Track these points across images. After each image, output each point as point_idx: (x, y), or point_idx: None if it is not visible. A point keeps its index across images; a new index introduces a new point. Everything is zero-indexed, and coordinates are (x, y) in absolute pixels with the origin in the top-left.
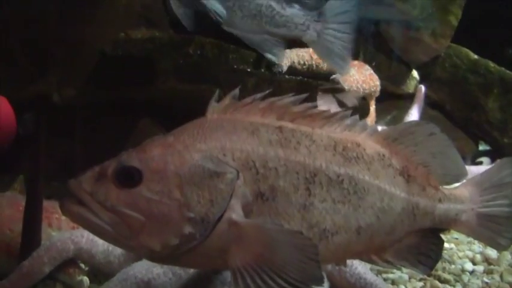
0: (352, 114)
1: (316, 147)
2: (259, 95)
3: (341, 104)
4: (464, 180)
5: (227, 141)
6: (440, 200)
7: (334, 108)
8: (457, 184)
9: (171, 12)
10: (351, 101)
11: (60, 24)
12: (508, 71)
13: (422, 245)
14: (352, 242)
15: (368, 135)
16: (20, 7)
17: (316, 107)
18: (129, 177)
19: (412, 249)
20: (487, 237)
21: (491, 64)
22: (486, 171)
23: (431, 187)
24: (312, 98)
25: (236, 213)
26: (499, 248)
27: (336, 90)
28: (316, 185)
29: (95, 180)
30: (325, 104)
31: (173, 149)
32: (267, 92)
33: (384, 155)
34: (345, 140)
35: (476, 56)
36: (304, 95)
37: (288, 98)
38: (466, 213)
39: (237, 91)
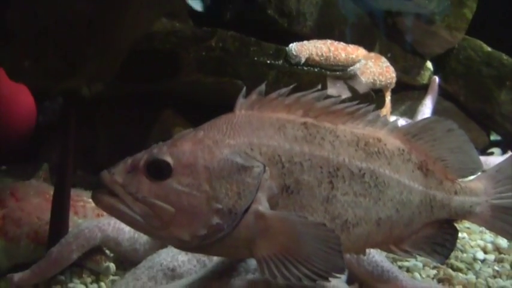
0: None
1: (340, 142)
2: (284, 90)
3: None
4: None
5: (254, 136)
6: (456, 193)
7: (345, 94)
8: (472, 177)
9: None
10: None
11: (92, 24)
12: None
13: (439, 236)
14: (372, 233)
15: (389, 130)
16: (51, 7)
17: (339, 102)
18: (160, 170)
19: (429, 239)
20: (500, 227)
21: (505, 57)
22: (499, 164)
23: (448, 180)
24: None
25: (262, 205)
26: (511, 238)
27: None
28: (339, 178)
29: (127, 172)
30: (337, 91)
31: (203, 144)
32: (292, 86)
33: (403, 150)
34: (367, 136)
35: (490, 49)
36: (327, 91)
37: (312, 94)
38: (480, 205)
39: (263, 87)
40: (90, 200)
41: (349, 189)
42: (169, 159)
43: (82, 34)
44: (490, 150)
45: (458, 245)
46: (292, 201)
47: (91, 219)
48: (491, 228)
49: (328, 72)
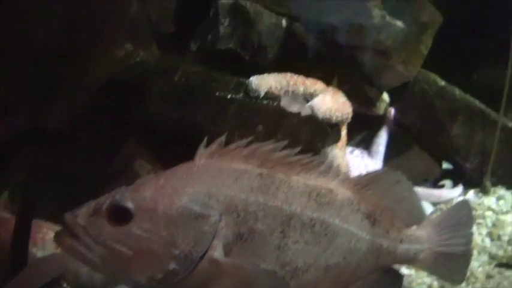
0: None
1: (293, 193)
2: (242, 142)
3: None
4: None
5: (212, 186)
6: (401, 241)
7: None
8: None
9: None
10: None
11: (62, 65)
12: (472, 99)
13: (384, 281)
14: (321, 279)
15: (340, 181)
16: (23, 44)
17: (294, 154)
18: (121, 215)
19: (375, 284)
20: (443, 273)
21: (457, 91)
22: (444, 212)
23: (394, 229)
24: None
25: (218, 252)
26: (454, 283)
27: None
28: (290, 228)
29: (90, 216)
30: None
31: (163, 191)
32: (250, 139)
33: (353, 201)
34: (319, 187)
35: (443, 83)
36: (284, 142)
37: (269, 146)
38: (423, 252)
39: (223, 138)
40: (50, 231)
41: (300, 238)
42: (130, 205)
43: (52, 70)
44: (441, 183)
45: (405, 283)
46: (246, 248)
47: (50, 251)
48: (434, 273)
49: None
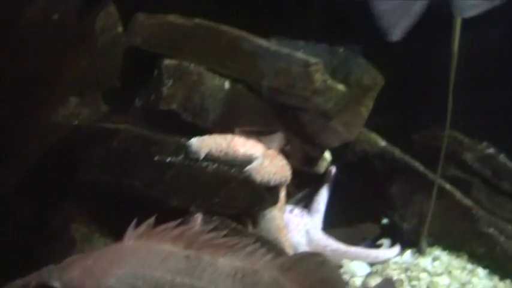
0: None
1: (219, 275)
2: (170, 224)
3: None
4: None
5: (140, 267)
6: None
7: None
8: None
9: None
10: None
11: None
12: (411, 160)
13: None
14: None
15: (265, 263)
16: None
17: (221, 236)
18: None
19: None
20: None
21: (397, 152)
22: None
23: None
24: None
25: None
26: None
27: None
28: None
29: None
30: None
31: (91, 272)
32: (179, 221)
33: (278, 281)
34: (245, 268)
35: (384, 143)
36: (211, 225)
37: (197, 228)
38: None
39: (152, 220)
40: None
41: None
42: (57, 285)
43: None
44: (379, 242)
45: None
46: None
47: None
48: None
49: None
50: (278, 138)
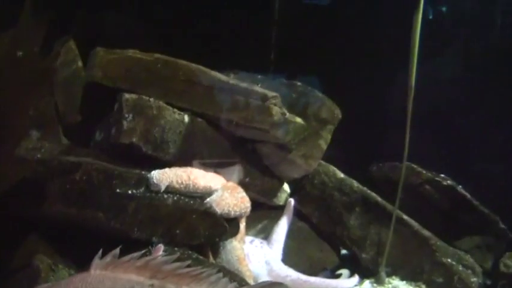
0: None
1: None
2: (135, 254)
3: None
4: None
5: None
6: None
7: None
8: None
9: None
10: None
11: None
12: (369, 191)
13: None
14: None
15: None
16: None
17: (184, 266)
18: None
19: None
20: None
21: (355, 184)
22: None
23: None
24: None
25: None
26: None
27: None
28: None
29: None
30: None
31: None
32: (143, 252)
33: None
34: None
35: (342, 175)
36: (175, 256)
37: (161, 258)
38: None
39: (117, 250)
40: None
41: None
42: None
43: None
44: (338, 272)
45: None
46: None
47: None
48: None
49: (185, 200)
50: (237, 170)
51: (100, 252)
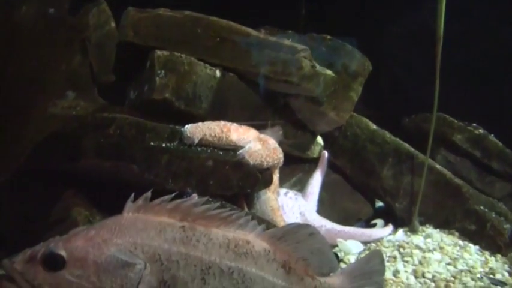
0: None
1: (212, 244)
2: (166, 197)
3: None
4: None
5: (138, 237)
6: None
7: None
8: None
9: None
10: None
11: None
12: (402, 142)
13: None
14: None
15: (257, 234)
16: None
17: (214, 208)
18: (55, 262)
19: None
20: None
21: (388, 135)
22: (357, 261)
23: (308, 277)
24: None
25: None
26: None
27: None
28: (210, 275)
29: (25, 262)
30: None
31: (93, 241)
32: (173, 194)
33: (269, 251)
34: (237, 238)
35: (375, 126)
36: (204, 198)
37: (191, 201)
38: None
39: (149, 194)
40: None
41: (219, 285)
42: (63, 253)
43: None
44: (373, 222)
45: None
46: None
47: None
48: None
49: (219, 153)
50: (277, 131)
51: (132, 195)
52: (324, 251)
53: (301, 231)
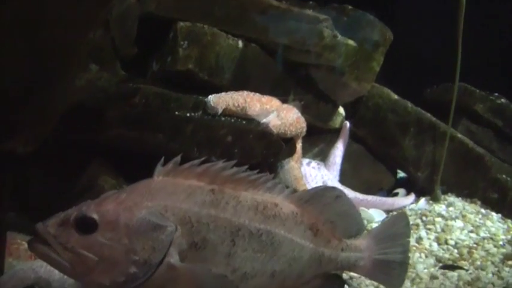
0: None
1: (241, 207)
2: (196, 161)
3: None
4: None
5: (169, 200)
6: (342, 250)
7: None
8: None
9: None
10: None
11: (28, 89)
12: (423, 112)
13: (327, 286)
14: (267, 283)
15: (285, 196)
16: None
17: (242, 171)
18: (87, 225)
19: None
20: (382, 279)
21: (409, 105)
22: (383, 224)
23: (335, 239)
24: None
25: (174, 258)
26: (390, 287)
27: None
28: (239, 237)
29: (59, 225)
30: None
31: (125, 205)
32: (203, 159)
33: (296, 214)
34: (266, 201)
35: (396, 97)
36: (233, 162)
37: (220, 164)
38: (363, 260)
39: (178, 158)
40: (24, 242)
41: (248, 247)
42: (95, 216)
43: (19, 99)
44: (395, 191)
45: (354, 284)
46: (199, 255)
47: (24, 261)
48: (373, 278)
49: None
50: (298, 105)
51: (162, 159)
52: (351, 213)
53: (327, 194)
